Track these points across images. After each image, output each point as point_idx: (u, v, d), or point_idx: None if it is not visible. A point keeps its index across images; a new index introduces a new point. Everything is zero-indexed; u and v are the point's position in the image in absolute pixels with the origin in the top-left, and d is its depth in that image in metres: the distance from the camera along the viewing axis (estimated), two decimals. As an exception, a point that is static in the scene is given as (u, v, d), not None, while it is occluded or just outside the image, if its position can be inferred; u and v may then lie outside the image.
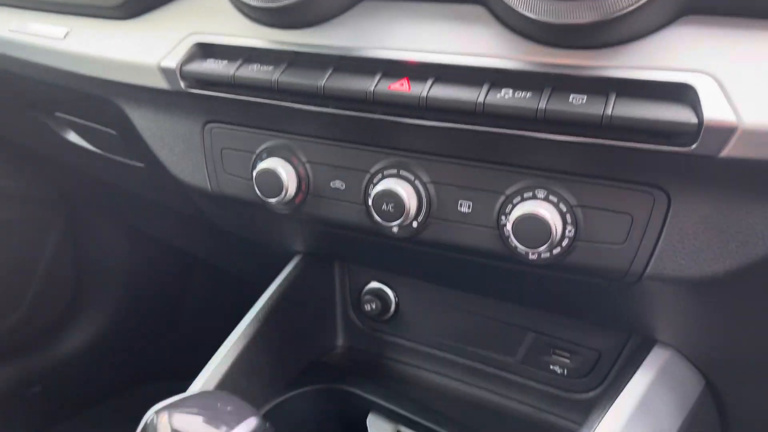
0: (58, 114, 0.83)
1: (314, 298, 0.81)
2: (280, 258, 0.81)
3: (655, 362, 0.60)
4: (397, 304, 0.79)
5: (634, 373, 0.60)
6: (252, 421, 0.41)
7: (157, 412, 0.42)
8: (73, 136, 0.86)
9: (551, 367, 0.71)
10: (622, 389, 0.58)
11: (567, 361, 0.70)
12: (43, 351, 1.55)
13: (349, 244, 0.69)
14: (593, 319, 0.65)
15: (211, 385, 0.69)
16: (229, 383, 0.69)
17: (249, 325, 0.75)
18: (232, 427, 0.40)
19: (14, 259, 1.46)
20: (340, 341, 0.84)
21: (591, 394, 0.68)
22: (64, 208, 1.51)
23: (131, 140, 0.71)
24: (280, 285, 0.77)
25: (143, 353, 1.72)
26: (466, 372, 0.76)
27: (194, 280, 1.73)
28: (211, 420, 0.40)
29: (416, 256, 0.64)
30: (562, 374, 0.70)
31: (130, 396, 1.68)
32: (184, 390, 1.76)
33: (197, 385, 0.70)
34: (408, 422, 0.70)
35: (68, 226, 1.52)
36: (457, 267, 0.64)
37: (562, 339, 0.69)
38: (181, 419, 0.41)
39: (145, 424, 0.41)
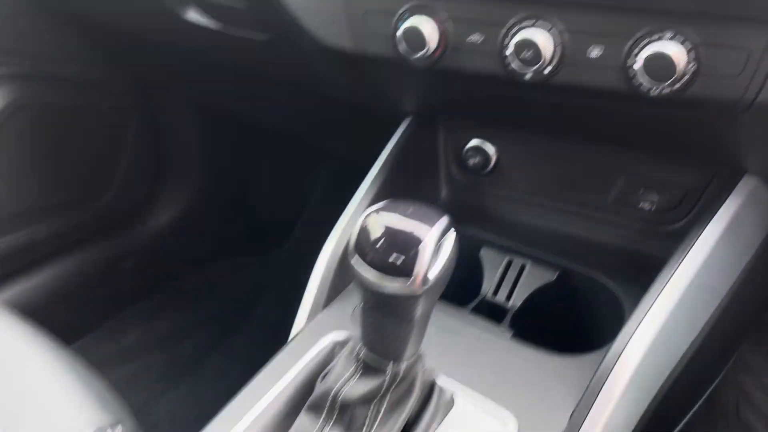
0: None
1: (421, 156, 0.91)
2: (384, 124, 0.90)
3: (743, 191, 0.70)
4: (497, 159, 0.89)
5: (723, 202, 0.70)
6: (445, 219, 0.52)
7: (369, 215, 0.52)
8: (192, 14, 0.94)
9: (640, 205, 0.81)
10: (711, 217, 0.69)
11: (655, 197, 0.80)
12: (133, 229, 1.69)
13: (467, 97, 0.78)
14: (688, 154, 0.74)
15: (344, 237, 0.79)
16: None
17: (371, 184, 0.84)
18: (434, 222, 0.51)
19: (104, 143, 1.57)
20: (443, 194, 0.95)
21: (679, 224, 0.79)
22: (142, 94, 1.59)
23: (264, 11, 0.78)
24: (395, 145, 0.87)
25: (219, 231, 1.86)
26: (561, 215, 0.86)
27: (265, 162, 1.84)
28: (416, 216, 0.51)
29: (525, 106, 0.73)
30: (651, 210, 0.80)
31: (208, 270, 1.84)
32: (257, 264, 1.91)
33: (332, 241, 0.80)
34: (517, 253, 0.82)
35: (147, 111, 1.61)
36: (564, 114, 0.73)
37: (651, 178, 0.79)
38: (390, 217, 0.51)
39: (361, 227, 0.52)
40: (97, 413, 0.74)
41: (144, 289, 1.74)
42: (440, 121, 0.90)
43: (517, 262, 0.81)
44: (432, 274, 0.50)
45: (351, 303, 0.75)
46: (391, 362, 0.56)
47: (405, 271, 0.50)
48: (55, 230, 1.52)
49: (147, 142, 1.66)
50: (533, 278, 0.79)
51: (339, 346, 0.68)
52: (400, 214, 0.51)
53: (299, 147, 1.73)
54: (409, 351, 0.56)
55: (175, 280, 1.77)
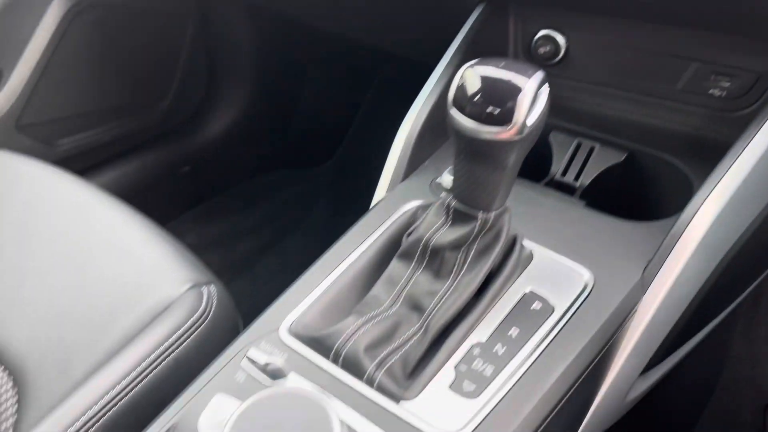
0: None
1: (490, 47, 0.93)
2: (452, 14, 0.92)
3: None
4: (567, 48, 0.90)
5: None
6: (541, 72, 0.55)
7: (466, 69, 0.56)
8: None
9: (710, 91, 0.83)
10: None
11: (726, 84, 0.81)
12: (188, 136, 1.74)
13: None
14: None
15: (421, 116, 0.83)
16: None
17: (443, 72, 0.86)
18: (530, 76, 0.54)
19: (161, 51, 1.60)
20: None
21: (748, 110, 0.80)
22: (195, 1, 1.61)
23: None
24: (465, 35, 0.89)
25: (269, 142, 1.91)
26: (630, 103, 0.88)
27: (315, 74, 1.86)
28: (513, 68, 0.54)
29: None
30: (721, 96, 0.82)
31: (258, 180, 1.90)
32: (305, 176, 1.96)
33: (410, 119, 0.83)
34: (586, 136, 0.85)
35: (202, 18, 1.63)
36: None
37: (724, 64, 0.80)
38: (489, 70, 0.55)
39: (460, 81, 0.55)
40: (192, 273, 0.80)
41: (199, 195, 1.81)
42: (512, 9, 0.91)
43: (586, 144, 0.84)
44: (530, 121, 0.54)
45: (429, 176, 0.79)
46: (481, 211, 0.60)
47: (505, 118, 0.54)
48: (117, 134, 1.58)
49: (201, 51, 1.69)
50: (602, 159, 0.82)
51: (422, 209, 0.73)
52: (497, 67, 0.55)
53: (353, 54, 1.74)
54: (498, 201, 0.60)
55: (227, 188, 1.83)
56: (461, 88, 0.56)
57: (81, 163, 1.52)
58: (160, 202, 1.70)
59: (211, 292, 0.78)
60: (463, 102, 0.55)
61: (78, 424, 0.65)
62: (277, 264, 1.66)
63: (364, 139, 1.93)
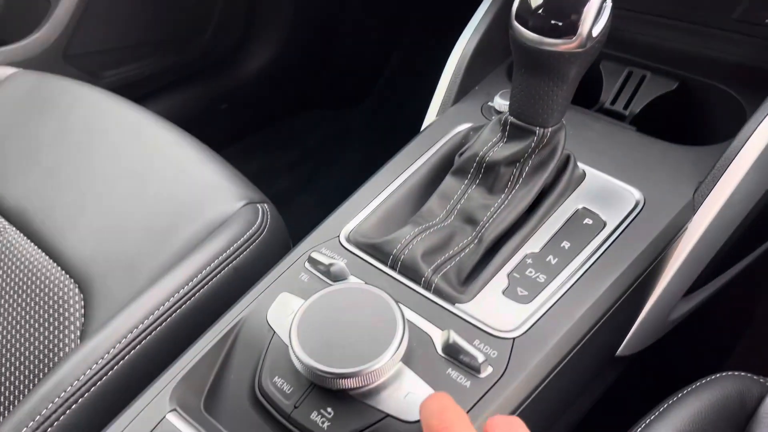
0: None
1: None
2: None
3: None
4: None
5: None
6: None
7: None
8: None
9: (766, 20, 0.81)
10: None
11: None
12: (226, 73, 1.76)
13: None
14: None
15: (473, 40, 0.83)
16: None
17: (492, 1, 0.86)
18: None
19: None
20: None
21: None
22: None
23: None
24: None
25: (306, 81, 1.92)
26: (682, 33, 0.87)
27: (352, 11, 1.85)
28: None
29: None
30: (779, 26, 0.81)
31: (295, 119, 1.91)
32: (341, 114, 1.97)
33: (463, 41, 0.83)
34: (638, 65, 0.85)
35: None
36: None
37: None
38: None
39: None
40: (246, 191, 0.83)
41: (237, 132, 1.83)
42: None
43: (637, 73, 0.84)
44: (595, 32, 0.54)
45: (481, 100, 0.80)
46: (538, 127, 0.61)
47: (569, 30, 0.54)
48: (157, 68, 1.60)
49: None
50: (653, 88, 0.82)
51: (473, 131, 0.74)
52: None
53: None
54: (555, 117, 0.61)
55: (264, 126, 1.85)
56: (524, 2, 0.56)
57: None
58: (198, 138, 1.73)
59: (265, 209, 0.81)
60: (526, 15, 0.56)
61: (142, 326, 0.69)
62: (314, 201, 1.69)
63: (400, 80, 1.93)
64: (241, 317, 0.59)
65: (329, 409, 0.51)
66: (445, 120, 0.78)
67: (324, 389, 0.51)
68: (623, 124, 0.78)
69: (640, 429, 0.56)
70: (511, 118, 0.63)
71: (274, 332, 0.57)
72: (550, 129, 0.61)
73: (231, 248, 0.74)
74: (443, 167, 0.71)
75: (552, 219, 0.64)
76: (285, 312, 0.58)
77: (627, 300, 0.62)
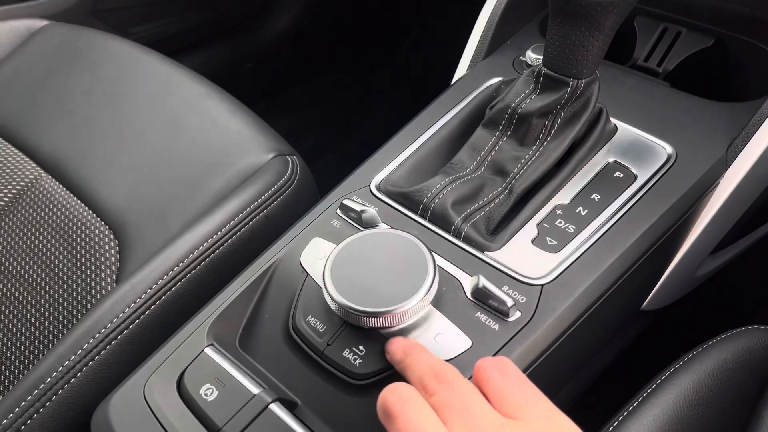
0: None
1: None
2: None
3: None
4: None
5: None
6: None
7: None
8: None
9: (809, -23, 0.80)
10: None
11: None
12: (252, 33, 1.75)
13: None
14: None
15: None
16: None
17: None
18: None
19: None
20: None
21: None
22: None
23: None
24: None
25: (330, 44, 1.91)
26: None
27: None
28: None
29: None
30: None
31: (321, 80, 1.91)
32: (366, 77, 1.96)
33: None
34: (673, 21, 0.83)
35: None
36: None
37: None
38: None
39: None
40: (276, 143, 0.84)
41: (263, 92, 1.84)
42: None
43: (672, 29, 0.83)
44: (634, -20, 0.54)
45: (512, 54, 0.80)
46: (572, 78, 0.61)
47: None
48: (183, 26, 1.60)
49: (267, -57, 1.67)
50: (687, 44, 0.81)
51: (505, 84, 0.74)
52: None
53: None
54: (589, 68, 0.61)
55: (288, 87, 1.85)
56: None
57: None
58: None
59: (294, 161, 0.82)
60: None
61: (177, 269, 0.71)
62: (339, 160, 1.70)
63: (426, 42, 1.91)
64: (275, 259, 0.60)
65: (361, 347, 0.52)
66: (476, 73, 0.78)
67: (356, 328, 0.53)
68: (656, 80, 0.77)
69: (663, 378, 0.57)
70: (545, 69, 0.62)
71: (308, 274, 0.58)
72: (584, 81, 0.61)
73: (262, 197, 0.76)
74: (474, 120, 0.71)
75: (582, 171, 0.64)
76: (317, 255, 0.59)
77: (655, 253, 0.62)
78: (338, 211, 0.63)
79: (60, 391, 0.60)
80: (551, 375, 0.59)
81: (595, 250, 0.58)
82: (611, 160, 0.65)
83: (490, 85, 0.74)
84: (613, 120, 0.69)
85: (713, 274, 0.79)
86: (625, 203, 0.61)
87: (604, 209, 0.61)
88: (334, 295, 0.51)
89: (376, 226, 0.61)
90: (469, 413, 0.39)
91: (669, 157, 0.65)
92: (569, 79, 0.61)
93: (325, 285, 0.52)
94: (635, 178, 0.63)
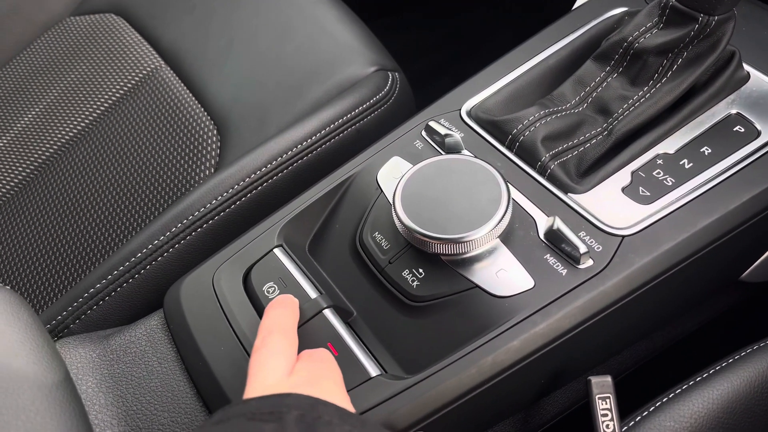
0: None
1: None
2: None
3: None
4: None
5: None
6: None
7: None
8: None
9: None
10: None
11: None
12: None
13: None
14: None
15: None
16: None
17: None
18: None
19: None
20: None
21: None
22: None
23: None
24: None
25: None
26: None
27: None
28: None
29: None
30: None
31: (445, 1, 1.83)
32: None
33: None
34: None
35: None
36: None
37: None
38: None
39: None
40: (380, 57, 0.83)
41: (384, 8, 1.80)
42: None
43: None
44: None
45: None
46: (703, 14, 0.54)
47: None
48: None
49: None
50: None
51: (629, 16, 0.67)
52: None
53: None
54: (725, 4, 0.53)
55: (412, 5, 1.80)
56: None
57: None
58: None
59: (395, 77, 0.81)
60: None
61: (266, 169, 0.73)
62: (453, 86, 1.65)
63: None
64: (353, 173, 0.61)
65: (421, 270, 0.52)
66: (599, 0, 0.71)
67: (419, 251, 0.52)
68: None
69: (743, 353, 0.53)
70: (673, 1, 0.56)
71: (382, 191, 0.58)
72: (716, 18, 0.54)
73: (356, 110, 0.76)
74: (587, 51, 0.65)
75: (697, 121, 0.58)
76: (395, 174, 0.59)
77: (763, 221, 0.56)
78: (423, 133, 0.62)
79: (148, 267, 0.66)
80: (619, 331, 0.57)
81: (692, 207, 0.53)
82: (734, 111, 0.58)
83: (613, 15, 0.68)
84: (746, 66, 0.61)
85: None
86: (740, 161, 0.55)
87: (714, 165, 0.55)
88: (402, 216, 0.51)
89: (459, 152, 0.60)
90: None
91: (805, 116, 0.57)
92: (699, 15, 0.54)
93: (394, 205, 0.52)
94: (758, 134, 0.56)
